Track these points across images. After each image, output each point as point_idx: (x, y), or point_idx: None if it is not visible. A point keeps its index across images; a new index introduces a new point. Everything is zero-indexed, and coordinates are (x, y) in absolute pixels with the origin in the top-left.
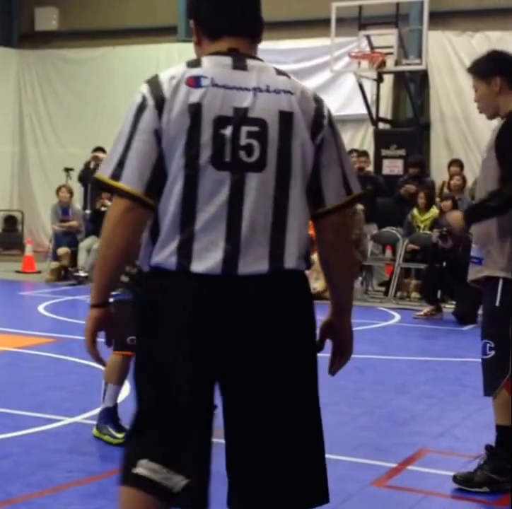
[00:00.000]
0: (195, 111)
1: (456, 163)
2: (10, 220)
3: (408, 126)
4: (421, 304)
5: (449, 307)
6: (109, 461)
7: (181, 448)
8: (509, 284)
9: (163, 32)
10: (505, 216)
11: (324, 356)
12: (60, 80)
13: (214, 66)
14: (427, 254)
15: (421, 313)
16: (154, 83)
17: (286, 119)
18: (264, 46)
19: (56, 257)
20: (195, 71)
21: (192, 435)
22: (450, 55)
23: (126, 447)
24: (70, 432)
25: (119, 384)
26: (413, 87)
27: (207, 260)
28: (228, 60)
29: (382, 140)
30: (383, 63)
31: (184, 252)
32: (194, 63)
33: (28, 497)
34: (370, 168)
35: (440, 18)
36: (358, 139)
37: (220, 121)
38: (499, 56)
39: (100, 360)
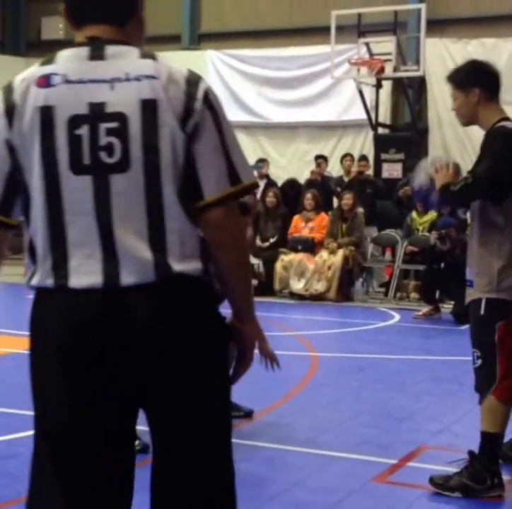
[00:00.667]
0: (46, 114)
1: None
2: (19, 225)
3: (406, 130)
4: (420, 304)
5: (447, 307)
6: None
7: None
8: (492, 302)
9: (167, 41)
10: (490, 237)
11: (332, 356)
12: None
13: (68, 60)
14: (426, 255)
15: (420, 313)
16: (7, 87)
17: (148, 108)
18: (269, 53)
19: None
20: (47, 69)
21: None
22: (447, 61)
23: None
24: None
25: None
26: (411, 93)
27: (86, 275)
28: (84, 51)
29: (381, 144)
30: (382, 70)
31: (61, 270)
32: (48, 61)
33: None
34: (370, 172)
35: (437, 26)
36: (358, 144)
37: (74, 121)
38: (479, 67)
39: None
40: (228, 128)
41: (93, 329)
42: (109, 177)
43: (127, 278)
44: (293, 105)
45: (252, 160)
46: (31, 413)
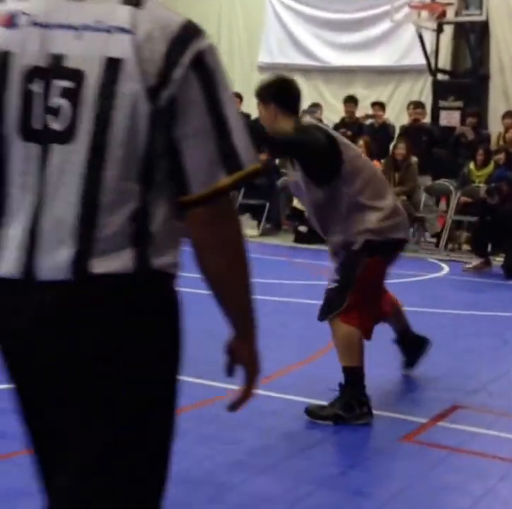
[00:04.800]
0: (4, 61)
1: (510, 115)
2: None
3: (467, 77)
4: (472, 257)
5: (499, 261)
6: None
7: None
8: None
9: None
10: None
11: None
12: None
13: None
14: (478, 207)
15: (470, 266)
16: None
17: (111, 69)
18: None
19: None
20: (20, 6)
21: None
22: (511, 6)
23: None
24: None
25: None
26: (473, 38)
27: (6, 261)
28: None
29: (440, 91)
30: (443, 14)
31: None
32: None
33: None
34: (427, 120)
35: None
36: (416, 90)
37: (31, 74)
38: (278, 84)
39: None
40: (228, 100)
41: (5, 326)
42: (49, 147)
43: (43, 272)
44: (351, 49)
45: (306, 105)
46: None
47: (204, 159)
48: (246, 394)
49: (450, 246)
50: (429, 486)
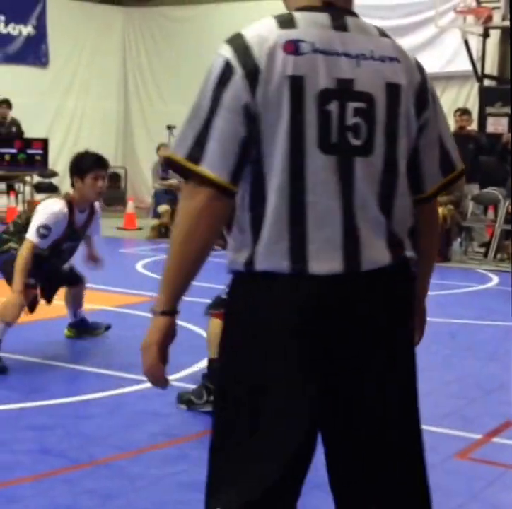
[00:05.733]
0: (297, 84)
1: None
2: (114, 177)
3: None
4: None
5: None
6: (191, 425)
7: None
8: None
9: None
10: None
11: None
12: (163, 37)
13: (311, 27)
14: None
15: None
16: (240, 45)
17: (393, 93)
18: (372, 1)
19: (156, 215)
20: (292, 34)
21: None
22: None
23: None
24: (154, 394)
25: (9, 325)
26: None
27: (326, 260)
28: (325, 18)
29: (487, 97)
30: (490, 19)
31: (298, 254)
32: (287, 23)
33: (110, 459)
34: (473, 127)
35: None
36: (462, 96)
37: (324, 96)
38: None
39: (164, 382)
40: (444, 115)
41: (338, 317)
42: (353, 159)
43: (368, 263)
44: None
45: None
46: (109, 372)
47: (433, 164)
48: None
49: (498, 256)
50: (485, 505)
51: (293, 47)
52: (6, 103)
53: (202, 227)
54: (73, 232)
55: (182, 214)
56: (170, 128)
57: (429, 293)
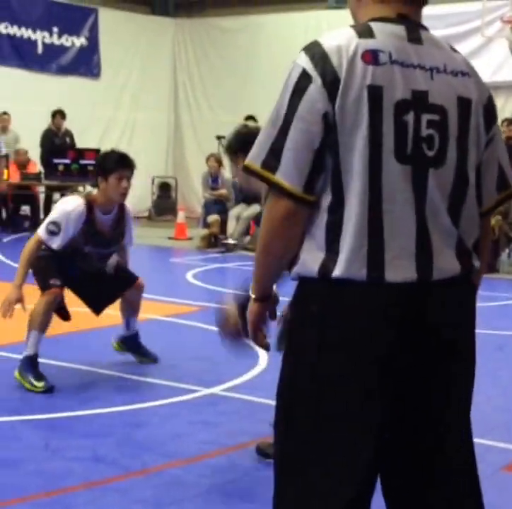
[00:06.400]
0: (376, 94)
1: None
2: (165, 187)
3: None
4: None
5: None
6: (239, 435)
7: None
8: None
9: (313, 0)
10: None
11: None
12: (213, 47)
13: (389, 37)
14: None
15: None
16: (318, 54)
17: (464, 107)
18: None
19: (206, 225)
20: (370, 43)
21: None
22: None
23: None
24: (205, 403)
25: (42, 331)
26: None
27: (401, 269)
28: (401, 30)
29: None
30: None
31: (376, 262)
32: (366, 32)
33: (161, 467)
34: None
35: None
36: (509, 106)
37: (401, 107)
38: (244, 136)
39: (265, 345)
40: (500, 130)
41: (410, 326)
42: (427, 170)
43: (438, 273)
44: None
45: None
46: (161, 381)
47: (491, 180)
48: None
49: None
50: None
51: (371, 57)
52: (60, 114)
53: (279, 241)
54: (95, 233)
55: (266, 219)
56: (219, 138)
57: (476, 304)
